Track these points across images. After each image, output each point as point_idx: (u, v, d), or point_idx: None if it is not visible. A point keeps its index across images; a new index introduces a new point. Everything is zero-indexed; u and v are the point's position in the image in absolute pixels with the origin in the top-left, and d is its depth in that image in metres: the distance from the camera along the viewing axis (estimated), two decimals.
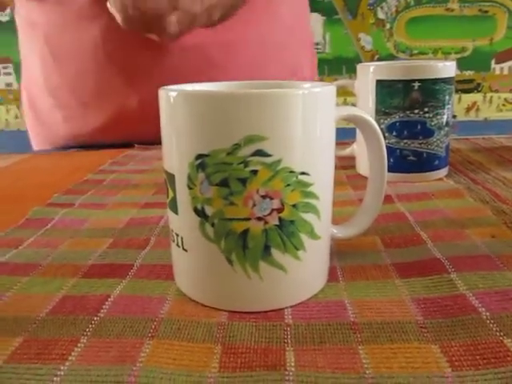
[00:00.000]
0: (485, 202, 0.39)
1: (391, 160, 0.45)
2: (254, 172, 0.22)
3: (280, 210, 0.23)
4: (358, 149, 0.49)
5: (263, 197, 0.23)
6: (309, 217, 0.24)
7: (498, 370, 0.20)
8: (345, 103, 1.45)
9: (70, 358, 0.22)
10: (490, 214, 0.36)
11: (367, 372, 0.20)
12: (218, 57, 0.66)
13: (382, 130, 0.28)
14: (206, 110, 0.22)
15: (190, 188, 0.24)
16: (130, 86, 0.67)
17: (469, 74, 1.77)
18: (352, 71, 1.71)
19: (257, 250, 0.23)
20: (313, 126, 0.23)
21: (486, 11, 1.70)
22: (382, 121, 0.45)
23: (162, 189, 0.27)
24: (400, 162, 0.45)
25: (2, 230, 0.37)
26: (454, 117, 1.72)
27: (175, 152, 0.24)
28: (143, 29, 0.53)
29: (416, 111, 0.43)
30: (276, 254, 0.24)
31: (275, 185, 0.23)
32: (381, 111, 0.45)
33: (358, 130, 0.44)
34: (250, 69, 0.68)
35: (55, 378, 0.20)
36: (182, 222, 0.25)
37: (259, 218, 0.23)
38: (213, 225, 0.23)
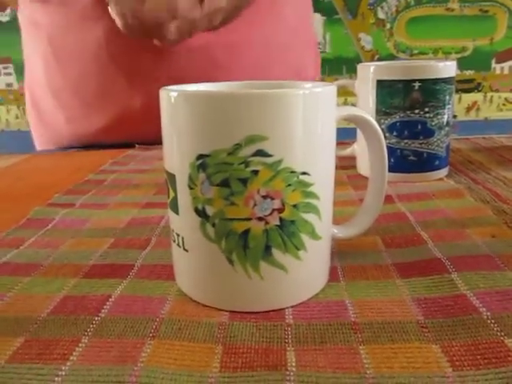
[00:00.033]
0: (485, 201, 0.39)
1: (392, 160, 0.45)
2: (255, 172, 0.22)
3: (281, 210, 0.23)
4: (359, 149, 0.49)
5: (264, 197, 0.23)
6: (309, 217, 0.24)
7: (498, 369, 0.20)
8: (345, 103, 1.45)
9: (71, 358, 0.22)
10: (491, 214, 0.36)
11: (368, 372, 0.20)
12: (222, 58, 0.66)
13: (382, 130, 0.28)
14: (207, 111, 0.22)
15: (190, 188, 0.24)
16: (133, 87, 0.67)
17: (469, 73, 1.77)
18: (352, 71, 1.70)
19: (257, 250, 0.23)
20: (313, 125, 0.23)
21: (487, 11, 1.70)
22: (382, 121, 0.45)
23: (163, 189, 0.27)
24: (400, 162, 0.45)
25: (3, 230, 0.37)
26: (455, 117, 1.72)
27: (176, 152, 0.24)
28: (143, 35, 0.53)
29: (416, 111, 0.43)
30: (277, 254, 0.24)
31: (276, 185, 0.23)
32: (381, 111, 0.45)
33: (358, 130, 0.44)
34: (254, 70, 0.68)
35: (56, 378, 0.20)
36: (182, 222, 0.25)
37: (260, 218, 0.23)
38: (213, 225, 0.23)
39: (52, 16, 0.67)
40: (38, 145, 0.79)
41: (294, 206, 0.23)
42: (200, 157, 0.23)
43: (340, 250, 0.31)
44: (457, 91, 1.75)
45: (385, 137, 0.28)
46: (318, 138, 0.24)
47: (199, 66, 0.65)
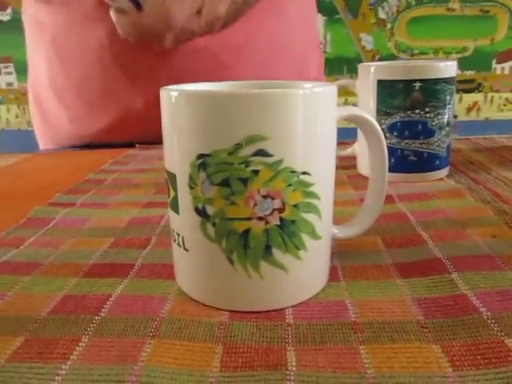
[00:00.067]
0: (486, 201, 0.39)
1: (392, 160, 0.45)
2: (256, 172, 0.22)
3: (281, 210, 0.23)
4: (359, 149, 0.49)
5: (264, 197, 0.23)
6: (310, 217, 0.24)
7: (499, 369, 0.20)
8: (346, 103, 1.45)
9: (71, 357, 0.22)
10: (491, 214, 0.36)
11: (368, 372, 0.20)
12: (225, 58, 0.66)
13: (382, 130, 0.28)
14: (208, 110, 0.22)
15: (191, 188, 0.24)
16: (136, 88, 0.67)
17: (470, 73, 1.77)
18: (353, 71, 1.71)
19: (258, 250, 0.23)
20: (314, 125, 0.23)
21: (487, 11, 1.70)
22: (382, 121, 0.45)
23: (163, 188, 0.27)
24: (401, 162, 0.45)
25: (4, 230, 0.37)
26: (455, 117, 1.72)
27: (176, 152, 0.24)
28: (141, 42, 0.53)
29: (417, 111, 0.43)
30: (277, 253, 0.24)
31: (276, 185, 0.23)
32: (382, 111, 0.45)
33: (358, 130, 0.44)
34: (257, 70, 0.68)
35: (57, 378, 0.20)
36: (183, 222, 0.25)
37: (260, 218, 0.23)
38: (214, 224, 0.23)
39: (55, 16, 0.67)
40: (41, 144, 0.79)
41: (295, 205, 0.23)
42: (200, 156, 0.23)
43: (340, 250, 0.31)
44: (457, 91, 1.75)
45: (385, 137, 0.28)
46: (319, 138, 0.24)
47: (202, 66, 0.65)
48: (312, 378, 0.20)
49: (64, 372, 0.21)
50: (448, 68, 0.44)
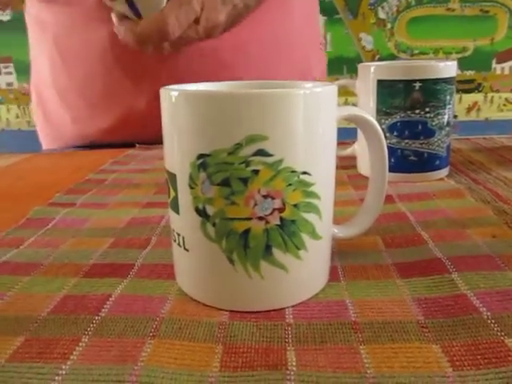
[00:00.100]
0: (486, 201, 0.39)
1: (392, 160, 0.45)
2: (256, 172, 0.22)
3: (281, 210, 0.23)
4: (359, 149, 0.49)
5: (264, 196, 0.23)
6: (310, 217, 0.24)
7: (499, 369, 0.20)
8: (346, 103, 1.45)
9: (71, 357, 0.22)
10: (491, 214, 0.36)
11: (368, 372, 0.20)
12: (228, 58, 0.66)
13: (383, 129, 0.28)
14: (208, 110, 0.22)
15: (191, 188, 0.24)
16: (138, 88, 0.67)
17: (470, 73, 1.77)
18: (353, 71, 1.71)
19: (258, 250, 0.23)
20: (314, 125, 0.23)
21: (487, 11, 1.70)
22: (382, 121, 0.45)
23: (163, 188, 0.27)
24: (401, 162, 0.45)
25: (3, 230, 0.37)
26: (455, 117, 1.72)
27: (177, 152, 0.24)
28: (140, 48, 0.53)
29: (417, 111, 0.43)
30: (277, 253, 0.24)
31: (277, 184, 0.23)
32: (382, 111, 0.45)
33: (358, 130, 0.44)
34: (260, 70, 0.68)
35: (57, 377, 0.20)
36: (183, 222, 0.25)
37: (260, 218, 0.23)
38: (214, 224, 0.23)
39: (57, 16, 0.67)
40: (44, 144, 0.80)
41: (295, 205, 0.23)
42: (200, 156, 0.23)
43: (340, 250, 0.31)
44: (457, 91, 1.75)
45: (385, 137, 0.28)
46: (319, 138, 0.24)
47: (205, 66, 0.65)
48: (312, 378, 0.20)
49: (64, 372, 0.21)
50: (448, 68, 0.44)
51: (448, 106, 0.44)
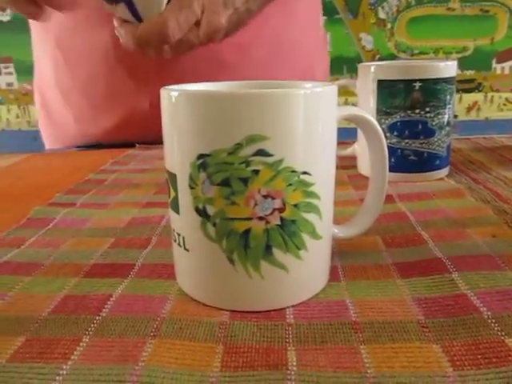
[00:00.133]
0: (486, 201, 0.39)
1: (392, 160, 0.45)
2: (256, 172, 0.22)
3: (281, 210, 0.23)
4: (359, 149, 0.49)
5: (265, 196, 0.23)
6: (310, 216, 0.24)
7: (499, 369, 0.20)
8: (346, 103, 1.45)
9: (72, 357, 0.22)
10: (491, 214, 0.36)
11: (369, 371, 0.20)
12: (231, 58, 0.66)
13: (383, 129, 0.28)
14: (208, 110, 0.22)
15: (191, 188, 0.24)
16: (141, 89, 0.67)
17: (470, 73, 1.77)
18: (353, 71, 1.71)
19: (258, 250, 0.23)
20: (314, 125, 0.23)
21: (487, 11, 1.70)
22: (383, 121, 0.45)
23: (164, 188, 0.27)
24: (401, 162, 0.45)
25: (4, 230, 0.37)
26: (455, 116, 1.72)
27: (177, 152, 0.24)
28: (141, 52, 0.53)
29: (417, 111, 0.43)
30: (277, 253, 0.24)
31: (277, 184, 0.23)
32: (382, 111, 0.45)
33: (359, 130, 0.44)
34: (262, 71, 0.68)
35: (57, 377, 0.20)
36: (183, 222, 0.25)
37: (261, 218, 0.23)
38: (214, 224, 0.23)
39: (59, 18, 0.67)
40: (47, 144, 0.80)
41: (295, 205, 0.23)
42: (201, 156, 0.23)
43: (340, 250, 0.31)
44: (457, 91, 1.75)
45: (385, 137, 0.28)
46: (319, 138, 0.24)
47: (207, 66, 0.65)
48: (313, 378, 0.20)
49: (65, 372, 0.21)
50: (448, 68, 0.44)
51: (448, 106, 0.44)
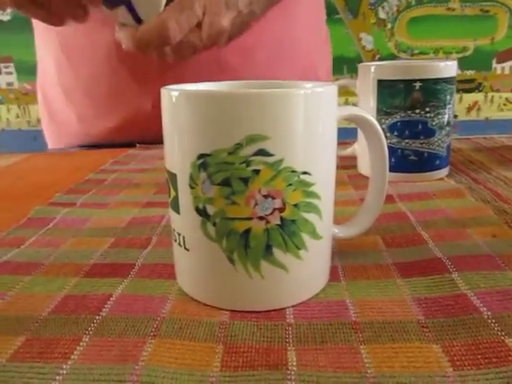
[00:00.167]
0: (486, 201, 0.39)
1: (392, 160, 0.45)
2: (256, 171, 0.22)
3: (282, 210, 0.23)
4: (360, 148, 0.49)
5: (265, 196, 0.23)
6: (310, 216, 0.24)
7: (499, 369, 0.20)
8: (346, 103, 1.45)
9: (72, 356, 0.22)
10: (492, 214, 0.36)
11: (369, 371, 0.20)
12: (232, 59, 0.66)
13: (383, 129, 0.28)
14: (208, 110, 0.22)
15: (191, 187, 0.24)
16: (144, 89, 0.67)
17: (470, 73, 1.77)
18: (353, 71, 1.71)
19: (258, 250, 0.23)
20: (315, 125, 0.23)
21: (487, 11, 1.70)
22: (383, 121, 0.45)
23: (164, 188, 0.27)
24: (401, 162, 0.45)
25: (4, 230, 0.37)
26: (456, 116, 1.72)
27: (177, 151, 0.24)
28: (141, 53, 0.53)
29: (417, 111, 0.43)
30: (278, 253, 0.24)
31: (277, 184, 0.23)
32: (382, 111, 0.45)
33: (359, 130, 0.44)
34: (264, 72, 0.68)
35: (58, 377, 0.20)
36: (183, 222, 0.25)
37: (261, 218, 0.23)
38: (214, 224, 0.23)
39: None
40: (50, 143, 0.80)
41: (295, 205, 0.23)
42: (201, 156, 0.23)
43: (341, 250, 0.31)
44: (458, 91, 1.75)
45: (385, 136, 0.28)
46: (319, 138, 0.24)
47: (209, 68, 0.65)
48: (313, 378, 0.20)
49: (65, 372, 0.21)
50: (448, 68, 0.44)
51: (448, 106, 0.44)
